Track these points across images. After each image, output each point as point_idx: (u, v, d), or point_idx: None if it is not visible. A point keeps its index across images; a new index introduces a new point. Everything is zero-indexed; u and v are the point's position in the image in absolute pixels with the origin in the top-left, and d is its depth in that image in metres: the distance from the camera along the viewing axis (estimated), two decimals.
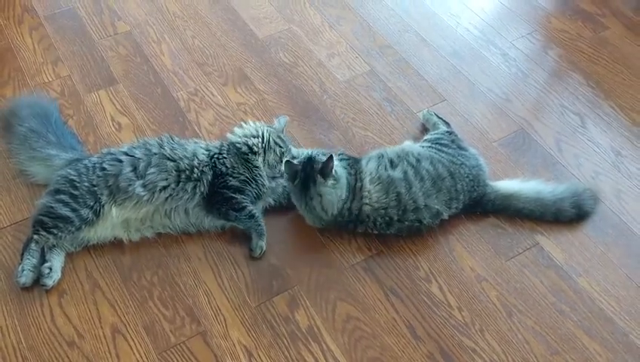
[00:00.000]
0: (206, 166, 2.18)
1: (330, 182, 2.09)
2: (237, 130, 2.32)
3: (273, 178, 2.27)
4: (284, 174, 2.16)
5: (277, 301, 2.05)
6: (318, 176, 2.08)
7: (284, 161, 2.13)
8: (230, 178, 2.17)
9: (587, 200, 2.27)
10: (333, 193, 2.10)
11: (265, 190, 2.22)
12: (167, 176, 2.14)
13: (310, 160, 2.12)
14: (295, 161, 2.13)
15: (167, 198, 2.13)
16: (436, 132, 2.41)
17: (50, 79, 2.70)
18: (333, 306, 2.04)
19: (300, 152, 2.32)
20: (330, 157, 2.07)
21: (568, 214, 2.25)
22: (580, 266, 2.15)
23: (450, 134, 2.38)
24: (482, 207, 2.25)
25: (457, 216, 2.23)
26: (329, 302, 2.05)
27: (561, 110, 2.66)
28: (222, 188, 2.15)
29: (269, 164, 2.26)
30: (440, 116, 2.51)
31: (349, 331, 1.98)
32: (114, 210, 2.10)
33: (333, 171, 2.09)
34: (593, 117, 2.63)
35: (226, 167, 2.18)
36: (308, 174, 2.10)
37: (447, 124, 2.47)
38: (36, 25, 2.95)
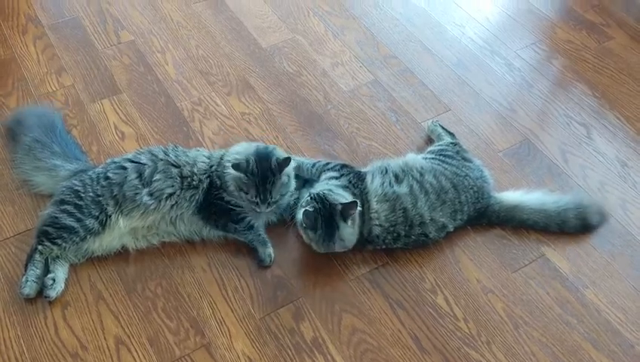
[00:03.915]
0: (203, 174, 2.17)
1: (350, 222, 2.04)
2: (233, 149, 2.23)
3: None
4: (303, 224, 2.05)
5: (282, 312, 2.03)
6: (341, 221, 2.03)
7: (302, 211, 2.02)
8: (225, 193, 2.15)
9: (593, 213, 2.26)
10: (354, 232, 2.08)
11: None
12: (172, 182, 2.13)
13: (324, 202, 2.02)
14: (311, 208, 2.01)
15: (172, 206, 2.13)
16: (440, 143, 2.40)
17: (54, 89, 2.70)
18: (338, 318, 2.02)
19: (303, 161, 2.31)
20: (355, 203, 2.01)
21: (572, 225, 2.24)
22: (586, 277, 2.14)
23: (454, 145, 2.37)
24: (487, 218, 2.24)
25: (463, 228, 2.23)
26: (334, 313, 2.03)
27: (566, 120, 2.65)
28: (219, 200, 2.15)
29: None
30: (445, 127, 2.50)
31: (354, 343, 1.97)
32: (121, 220, 2.09)
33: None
34: (599, 127, 2.63)
35: (221, 181, 2.16)
36: (329, 220, 2.02)
37: (451, 135, 2.46)
38: (40, 34, 2.95)
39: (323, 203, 2.03)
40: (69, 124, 2.54)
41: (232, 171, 2.10)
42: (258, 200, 2.09)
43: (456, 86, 2.79)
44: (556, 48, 2.99)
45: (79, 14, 3.06)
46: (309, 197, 2.07)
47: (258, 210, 2.12)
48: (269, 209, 2.12)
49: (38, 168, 2.25)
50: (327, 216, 2.02)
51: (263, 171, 2.07)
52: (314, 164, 2.30)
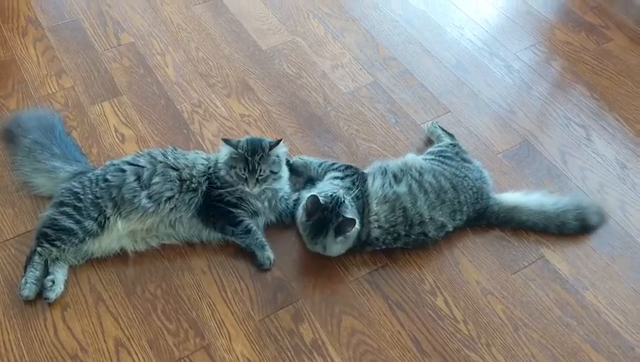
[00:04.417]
0: (202, 177, 2.18)
1: (340, 238, 2.05)
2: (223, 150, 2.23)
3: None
4: (305, 204, 2.06)
5: (281, 314, 2.04)
6: (332, 232, 2.04)
7: (309, 195, 2.04)
8: (225, 193, 2.16)
9: (592, 214, 2.26)
10: (339, 248, 2.09)
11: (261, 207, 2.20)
12: (172, 186, 2.14)
13: (335, 207, 2.03)
14: (322, 200, 2.02)
15: (171, 209, 2.13)
16: (440, 144, 2.41)
17: (54, 90, 2.70)
18: (338, 320, 2.02)
19: (311, 160, 2.34)
20: (353, 222, 2.00)
21: (572, 226, 2.24)
22: (585, 279, 2.14)
23: (454, 147, 2.38)
24: (486, 219, 2.25)
25: (462, 229, 2.23)
26: (334, 315, 2.03)
27: (565, 122, 2.66)
28: (218, 202, 2.15)
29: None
30: (444, 129, 2.50)
31: (354, 345, 1.97)
32: (119, 222, 2.09)
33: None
34: (598, 129, 2.63)
35: (221, 181, 2.17)
36: (324, 222, 2.03)
37: (451, 136, 2.47)
38: (40, 36, 2.95)
39: (334, 206, 2.03)
40: (69, 126, 2.54)
41: (224, 149, 2.15)
42: (246, 173, 2.09)
43: (455, 88, 2.80)
44: (555, 50, 3.00)
45: (79, 16, 3.06)
46: (332, 192, 2.06)
47: (247, 189, 2.11)
48: (257, 188, 2.11)
49: (38, 170, 2.26)
50: (327, 218, 2.02)
51: (253, 147, 2.11)
52: (320, 164, 2.32)
